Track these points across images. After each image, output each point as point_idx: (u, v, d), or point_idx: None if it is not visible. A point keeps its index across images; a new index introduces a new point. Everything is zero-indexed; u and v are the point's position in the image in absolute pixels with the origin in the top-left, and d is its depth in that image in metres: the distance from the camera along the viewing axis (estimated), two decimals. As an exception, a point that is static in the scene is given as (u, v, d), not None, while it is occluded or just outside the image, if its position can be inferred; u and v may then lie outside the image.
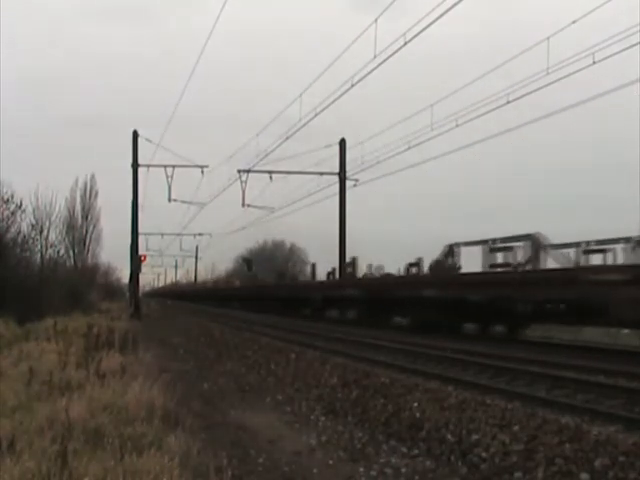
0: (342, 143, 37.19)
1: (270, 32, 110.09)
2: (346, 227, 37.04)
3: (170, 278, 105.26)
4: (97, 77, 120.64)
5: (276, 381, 11.91)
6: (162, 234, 59.36)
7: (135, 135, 38.67)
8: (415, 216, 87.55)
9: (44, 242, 35.39)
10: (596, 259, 18.61)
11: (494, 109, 21.28)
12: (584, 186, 71.57)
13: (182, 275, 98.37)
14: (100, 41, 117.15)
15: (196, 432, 7.01)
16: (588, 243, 19.02)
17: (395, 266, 30.22)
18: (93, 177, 53.50)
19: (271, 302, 39.27)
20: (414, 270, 25.89)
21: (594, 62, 17.29)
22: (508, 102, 20.59)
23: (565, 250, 19.37)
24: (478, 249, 21.43)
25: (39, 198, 35.80)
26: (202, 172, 37.84)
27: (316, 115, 27.45)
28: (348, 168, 36.48)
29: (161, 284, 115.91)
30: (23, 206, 30.87)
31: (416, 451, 6.92)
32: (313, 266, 41.66)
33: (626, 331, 18.17)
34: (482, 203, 77.95)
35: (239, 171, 36.44)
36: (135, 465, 5.25)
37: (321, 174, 36.13)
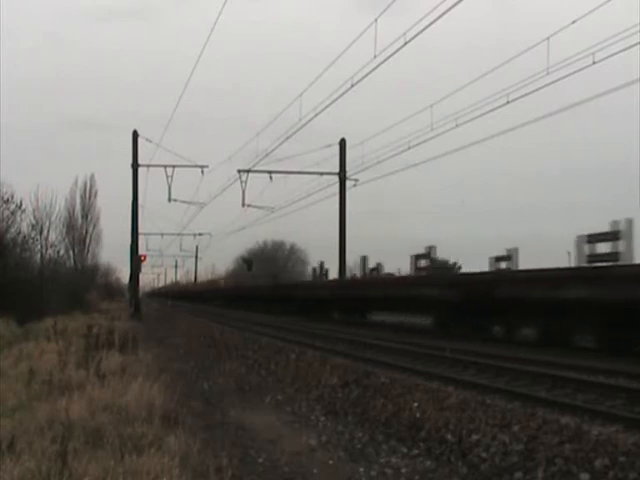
0: (342, 143, 37.17)
1: (272, 32, 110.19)
2: (346, 227, 37.10)
3: (170, 278, 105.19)
4: (97, 77, 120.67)
5: (276, 381, 11.91)
6: (162, 234, 59.23)
7: (135, 135, 38.68)
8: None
9: (44, 242, 35.33)
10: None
11: (494, 109, 21.30)
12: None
13: (182, 275, 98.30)
14: (100, 41, 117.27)
15: (196, 432, 7.01)
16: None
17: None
18: (93, 177, 53.54)
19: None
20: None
21: (594, 62, 17.29)
22: (508, 102, 20.60)
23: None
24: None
25: (39, 198, 35.73)
26: (202, 172, 37.98)
27: (316, 115, 27.51)
28: (348, 168, 36.52)
29: (161, 284, 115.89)
30: (23, 206, 30.86)
31: (416, 451, 6.92)
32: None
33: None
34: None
35: (239, 171, 36.53)
36: (135, 465, 5.25)
37: (321, 174, 36.19)
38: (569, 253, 18.86)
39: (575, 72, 17.86)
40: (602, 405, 8.34)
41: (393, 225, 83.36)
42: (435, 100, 25.30)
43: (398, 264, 35.01)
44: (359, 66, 22.41)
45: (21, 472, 4.97)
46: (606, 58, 16.98)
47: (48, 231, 36.09)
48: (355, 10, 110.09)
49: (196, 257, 79.85)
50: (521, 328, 17.50)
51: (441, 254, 28.12)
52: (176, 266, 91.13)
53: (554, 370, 10.86)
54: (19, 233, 31.69)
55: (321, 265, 41.48)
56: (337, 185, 36.79)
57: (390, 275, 32.68)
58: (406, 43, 19.24)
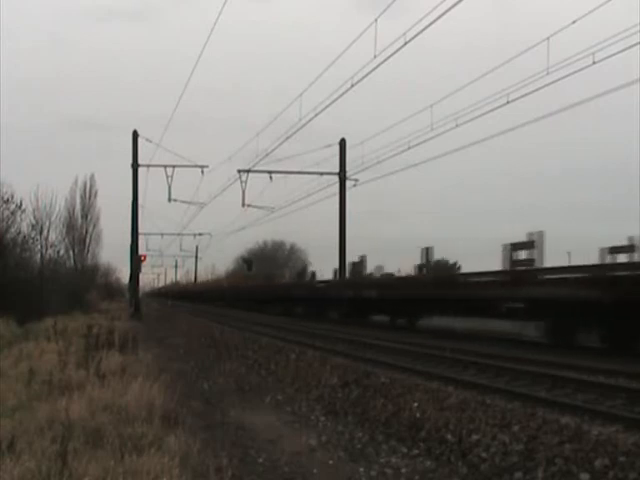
0: (342, 143, 37.17)
1: (272, 32, 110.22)
2: (346, 227, 37.11)
3: (170, 278, 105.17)
4: (97, 77, 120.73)
5: (276, 381, 11.91)
6: (162, 234, 59.19)
7: (135, 135, 38.67)
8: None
9: (44, 242, 35.34)
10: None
11: (494, 109, 21.29)
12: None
13: (182, 275, 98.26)
14: (100, 41, 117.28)
15: (196, 432, 7.01)
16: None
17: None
18: (93, 177, 53.59)
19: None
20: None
21: (594, 62, 17.29)
22: (508, 102, 20.59)
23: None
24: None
25: (39, 198, 35.76)
26: (202, 172, 37.98)
27: (316, 115, 27.50)
28: (348, 168, 36.52)
29: (161, 284, 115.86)
30: (23, 206, 30.89)
31: (416, 451, 6.92)
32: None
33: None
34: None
35: (239, 171, 36.52)
36: (135, 465, 5.25)
37: (321, 174, 36.16)
38: (569, 253, 18.85)
39: (575, 72, 17.87)
40: (602, 405, 8.33)
41: (393, 225, 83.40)
42: (435, 100, 25.32)
43: (398, 264, 34.25)
44: (359, 66, 22.44)
45: (21, 472, 4.97)
46: (606, 58, 16.99)
47: (48, 231, 36.15)
48: (355, 10, 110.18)
49: (196, 257, 79.95)
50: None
51: (441, 254, 27.95)
52: (176, 266, 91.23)
53: (554, 370, 10.85)
54: (19, 233, 31.76)
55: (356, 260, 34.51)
56: (337, 185, 36.79)
57: (389, 275, 31.43)
58: (406, 43, 19.25)
